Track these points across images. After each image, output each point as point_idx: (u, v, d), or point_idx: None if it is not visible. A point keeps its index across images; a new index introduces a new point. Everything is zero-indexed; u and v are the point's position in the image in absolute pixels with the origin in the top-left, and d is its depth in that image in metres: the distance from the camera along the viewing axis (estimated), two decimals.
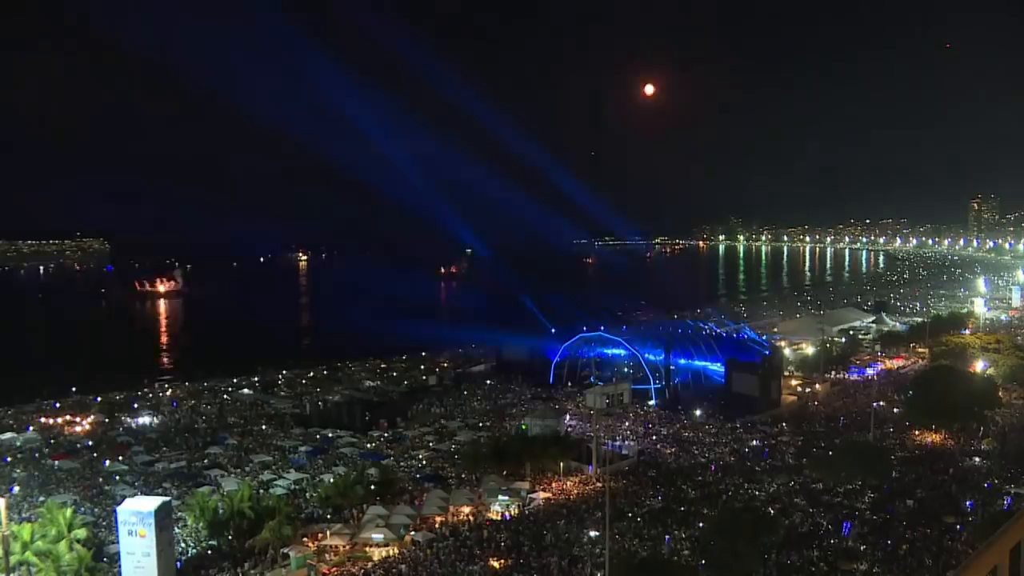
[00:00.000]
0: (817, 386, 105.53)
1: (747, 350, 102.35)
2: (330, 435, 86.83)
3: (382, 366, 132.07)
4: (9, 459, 78.91)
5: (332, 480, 65.55)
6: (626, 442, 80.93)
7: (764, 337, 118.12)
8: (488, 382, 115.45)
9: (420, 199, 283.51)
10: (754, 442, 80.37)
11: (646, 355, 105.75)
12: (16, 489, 67.14)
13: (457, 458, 76.22)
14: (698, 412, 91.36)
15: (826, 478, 64.96)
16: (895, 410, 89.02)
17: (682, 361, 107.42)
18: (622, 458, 74.75)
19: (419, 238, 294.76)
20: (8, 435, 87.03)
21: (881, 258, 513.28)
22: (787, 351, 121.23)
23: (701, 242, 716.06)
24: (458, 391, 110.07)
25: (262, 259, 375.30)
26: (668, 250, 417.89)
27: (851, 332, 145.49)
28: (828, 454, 71.90)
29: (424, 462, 77.17)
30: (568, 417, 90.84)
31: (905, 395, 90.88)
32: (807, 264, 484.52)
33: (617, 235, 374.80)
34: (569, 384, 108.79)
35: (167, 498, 55.58)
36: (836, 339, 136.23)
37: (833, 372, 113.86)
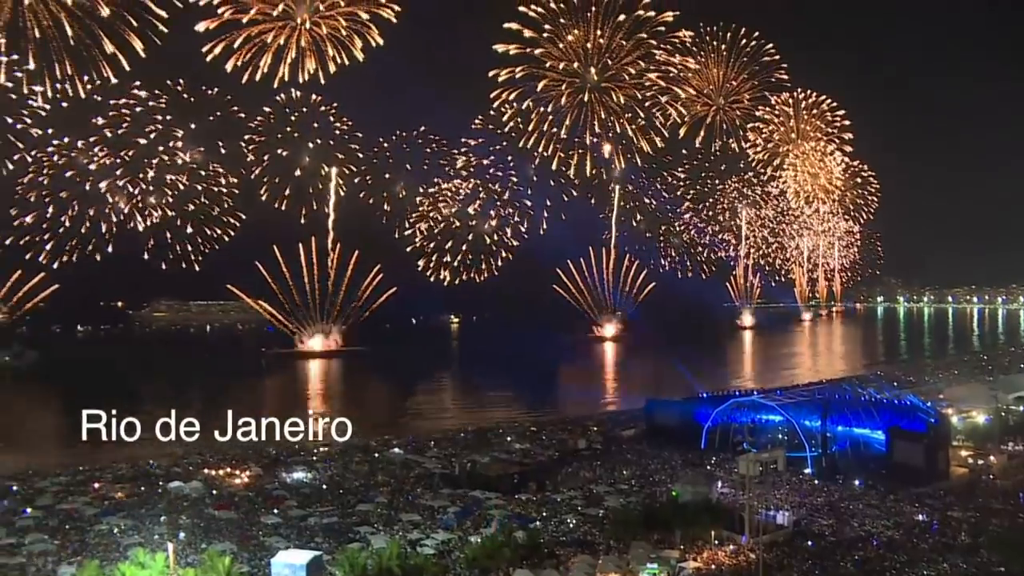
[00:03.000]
0: (992, 458, 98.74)
1: (911, 417, 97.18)
2: (479, 496, 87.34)
3: (532, 429, 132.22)
4: (176, 508, 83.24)
5: (480, 541, 65.89)
6: (781, 512, 77.82)
7: (929, 404, 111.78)
8: (638, 446, 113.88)
9: (566, 259, 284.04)
10: (920, 516, 75.85)
11: (802, 421, 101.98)
12: (182, 535, 70.51)
13: (606, 523, 75.24)
14: (857, 482, 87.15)
15: (1010, 561, 60.19)
16: None
17: (840, 428, 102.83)
18: (777, 528, 72.01)
19: (569, 300, 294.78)
20: (176, 484, 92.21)
21: None
22: (955, 419, 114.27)
23: (859, 304, 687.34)
24: (608, 455, 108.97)
25: (414, 320, 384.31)
26: (825, 313, 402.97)
27: None
28: (1011, 534, 66.69)
29: (572, 526, 76.55)
30: (720, 484, 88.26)
31: None
32: (976, 326, 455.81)
33: (770, 296, 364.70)
34: (722, 451, 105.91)
35: (319, 552, 57.22)
36: (1012, 407, 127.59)
37: (1011, 444, 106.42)
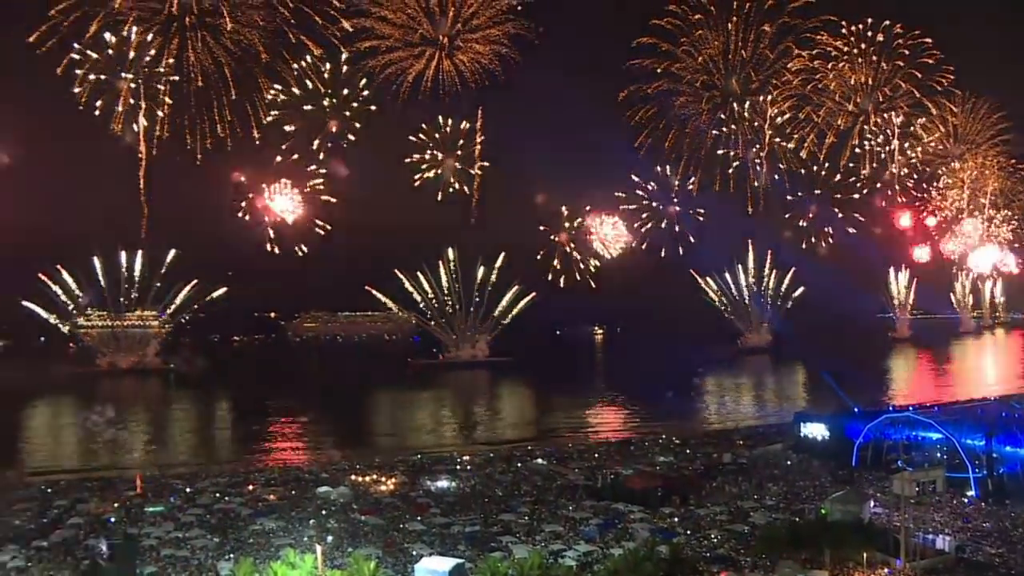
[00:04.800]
0: None
1: None
2: (621, 509, 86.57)
3: (676, 441, 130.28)
4: (324, 511, 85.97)
5: (622, 555, 65.20)
6: (941, 536, 73.60)
7: None
8: (787, 462, 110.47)
9: (712, 270, 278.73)
10: None
11: (963, 440, 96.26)
12: (330, 539, 72.77)
13: (751, 540, 73.17)
14: None
15: None
16: None
17: (1008, 448, 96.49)
18: (937, 554, 68.07)
19: (715, 311, 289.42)
20: (325, 488, 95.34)
21: None
22: None
23: None
24: (754, 470, 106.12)
25: (558, 331, 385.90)
26: (989, 324, 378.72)
27: None
28: None
29: (716, 542, 74.86)
30: (873, 503, 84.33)
31: None
32: None
33: (926, 306, 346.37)
34: (874, 468, 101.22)
35: (461, 560, 57.91)
36: None
37: None
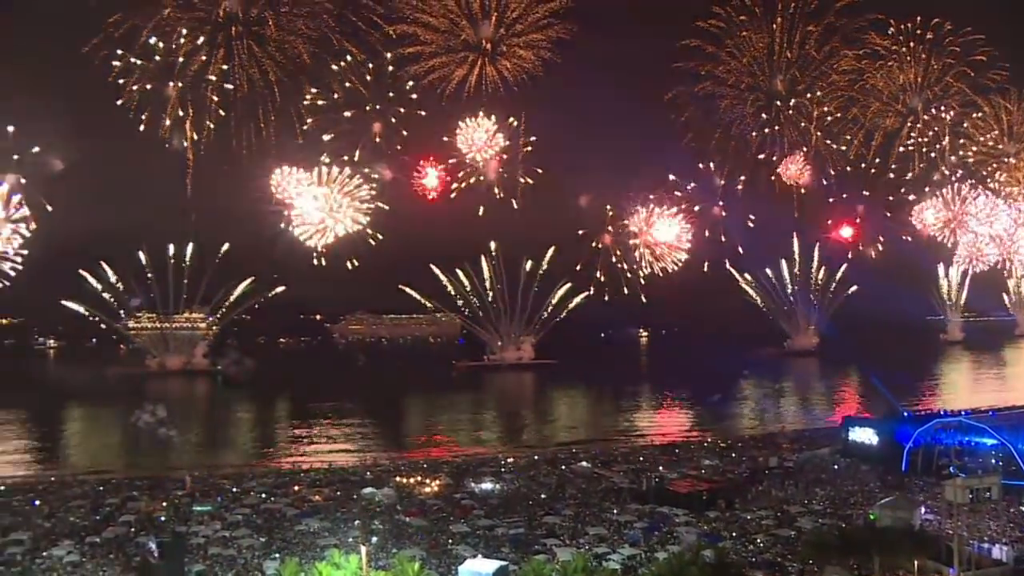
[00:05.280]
0: None
1: None
2: (666, 512, 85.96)
3: (721, 445, 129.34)
4: (369, 512, 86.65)
5: (666, 559, 64.71)
6: (998, 545, 71.77)
7: None
8: (834, 467, 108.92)
9: (758, 272, 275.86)
10: None
11: (1020, 446, 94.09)
12: (374, 540, 73.17)
13: (798, 546, 72.21)
14: None
15: None
16: None
17: None
18: (994, 564, 66.29)
19: (760, 313, 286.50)
20: (369, 490, 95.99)
21: None
22: None
23: None
24: (800, 474, 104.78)
25: (603, 334, 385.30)
26: None
27: None
28: None
29: (762, 547, 74.00)
30: (924, 510, 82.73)
31: None
32: None
33: (978, 308, 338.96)
34: (925, 474, 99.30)
35: (505, 562, 57.89)
36: None
37: None
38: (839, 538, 68.44)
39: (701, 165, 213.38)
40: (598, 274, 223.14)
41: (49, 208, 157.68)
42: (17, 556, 72.47)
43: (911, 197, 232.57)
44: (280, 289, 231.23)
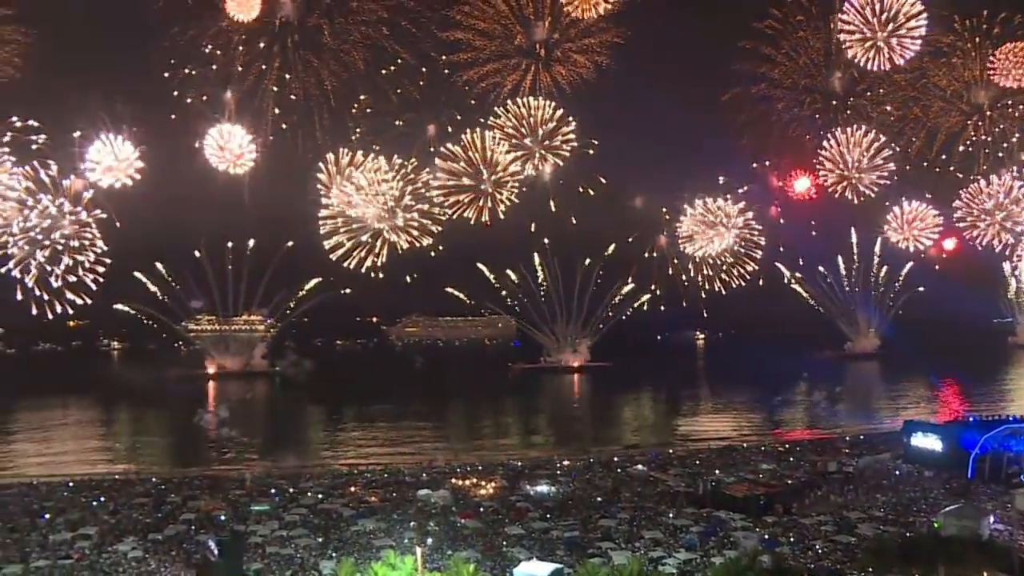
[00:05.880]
0: None
1: None
2: (723, 517, 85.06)
3: (779, 448, 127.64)
4: (425, 514, 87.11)
5: (723, 563, 63.98)
6: None
7: None
8: (896, 472, 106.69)
9: (816, 275, 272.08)
10: None
11: None
12: (430, 541, 73.51)
13: (858, 553, 70.82)
14: None
15: None
16: None
17: None
18: None
19: (819, 316, 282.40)
20: (425, 491, 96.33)
21: None
22: None
23: None
24: (861, 480, 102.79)
25: (658, 337, 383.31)
26: None
27: None
28: None
29: (821, 553, 72.77)
30: (992, 519, 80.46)
31: None
32: None
33: None
34: (992, 482, 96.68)
35: (560, 565, 57.76)
36: None
37: None
38: (902, 546, 66.93)
39: (756, 165, 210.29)
40: (655, 289, 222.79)
41: (117, 224, 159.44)
42: (85, 550, 74.96)
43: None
44: (347, 290, 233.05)
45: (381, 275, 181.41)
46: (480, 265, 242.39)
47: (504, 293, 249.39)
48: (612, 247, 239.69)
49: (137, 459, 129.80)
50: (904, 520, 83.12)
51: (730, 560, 64.06)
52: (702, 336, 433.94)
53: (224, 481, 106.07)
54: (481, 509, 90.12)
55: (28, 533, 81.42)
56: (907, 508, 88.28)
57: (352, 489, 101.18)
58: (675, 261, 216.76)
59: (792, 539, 77.16)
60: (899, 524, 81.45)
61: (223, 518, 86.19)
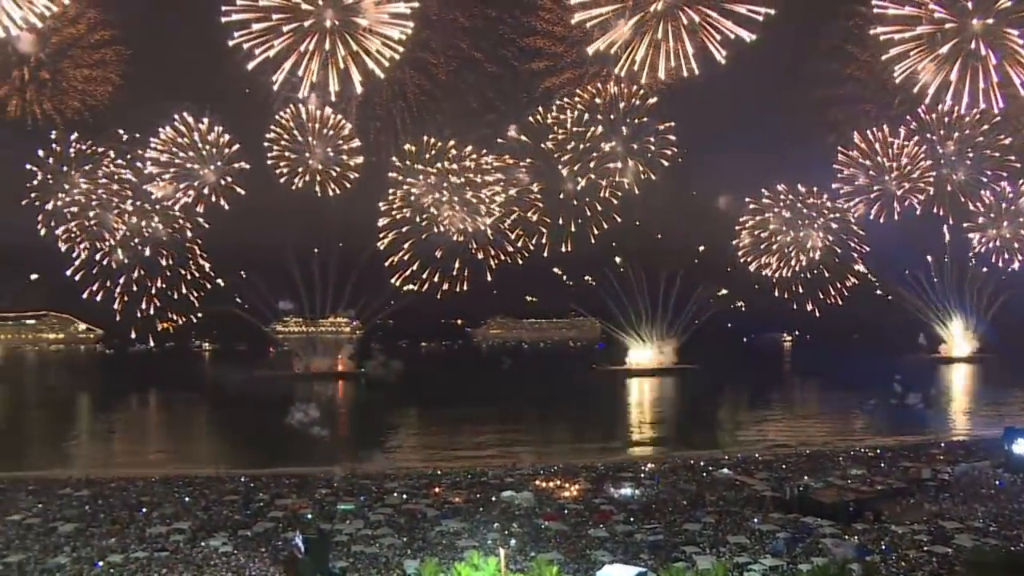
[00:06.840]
0: None
1: None
2: (810, 523, 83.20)
3: (870, 454, 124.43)
4: (508, 515, 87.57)
5: (810, 570, 62.57)
6: None
7: None
8: (996, 482, 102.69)
9: (907, 274, 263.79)
10: None
11: None
12: (513, 543, 73.70)
13: (956, 565, 68.38)
14: None
15: None
16: None
17: None
18: None
19: (911, 317, 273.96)
20: (508, 493, 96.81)
21: None
22: None
23: None
24: (957, 488, 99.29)
25: (745, 339, 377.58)
26: None
27: None
28: None
29: (915, 563, 70.48)
30: None
31: None
32: None
33: None
34: None
35: (644, 569, 57.30)
36: None
37: None
38: (1006, 559, 64.35)
39: (842, 166, 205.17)
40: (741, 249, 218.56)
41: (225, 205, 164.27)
42: (180, 543, 77.88)
43: None
44: (444, 287, 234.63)
45: (466, 286, 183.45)
46: (557, 271, 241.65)
47: (585, 294, 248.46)
48: (702, 248, 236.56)
49: (227, 457, 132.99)
50: (1007, 532, 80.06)
51: (818, 568, 62.66)
52: (789, 338, 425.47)
53: (311, 480, 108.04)
54: (565, 511, 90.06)
55: (127, 526, 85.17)
56: (1009, 520, 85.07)
57: (436, 490, 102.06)
58: (761, 261, 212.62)
59: (883, 548, 75.11)
60: (1001, 536, 78.51)
61: (309, 516, 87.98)
